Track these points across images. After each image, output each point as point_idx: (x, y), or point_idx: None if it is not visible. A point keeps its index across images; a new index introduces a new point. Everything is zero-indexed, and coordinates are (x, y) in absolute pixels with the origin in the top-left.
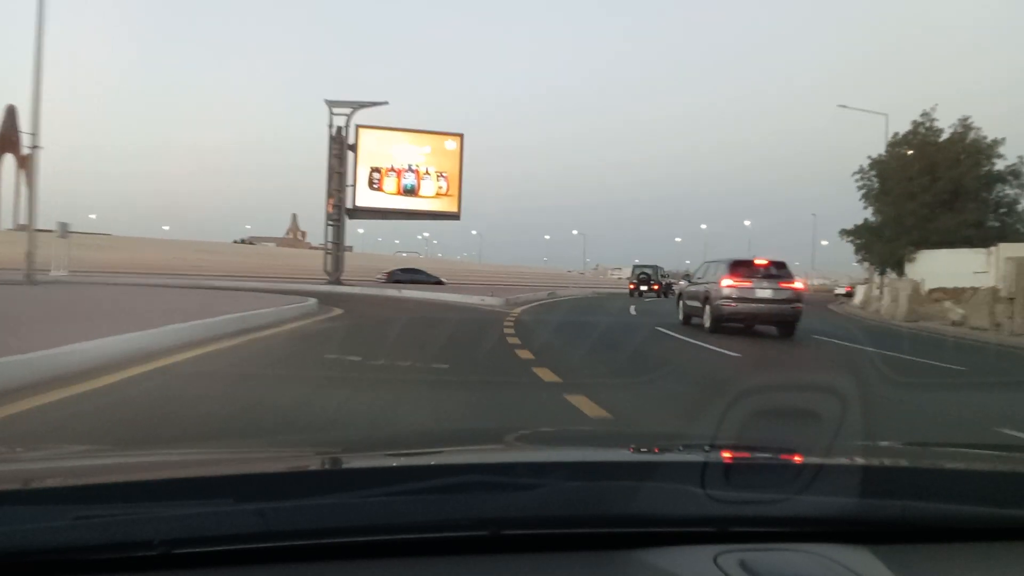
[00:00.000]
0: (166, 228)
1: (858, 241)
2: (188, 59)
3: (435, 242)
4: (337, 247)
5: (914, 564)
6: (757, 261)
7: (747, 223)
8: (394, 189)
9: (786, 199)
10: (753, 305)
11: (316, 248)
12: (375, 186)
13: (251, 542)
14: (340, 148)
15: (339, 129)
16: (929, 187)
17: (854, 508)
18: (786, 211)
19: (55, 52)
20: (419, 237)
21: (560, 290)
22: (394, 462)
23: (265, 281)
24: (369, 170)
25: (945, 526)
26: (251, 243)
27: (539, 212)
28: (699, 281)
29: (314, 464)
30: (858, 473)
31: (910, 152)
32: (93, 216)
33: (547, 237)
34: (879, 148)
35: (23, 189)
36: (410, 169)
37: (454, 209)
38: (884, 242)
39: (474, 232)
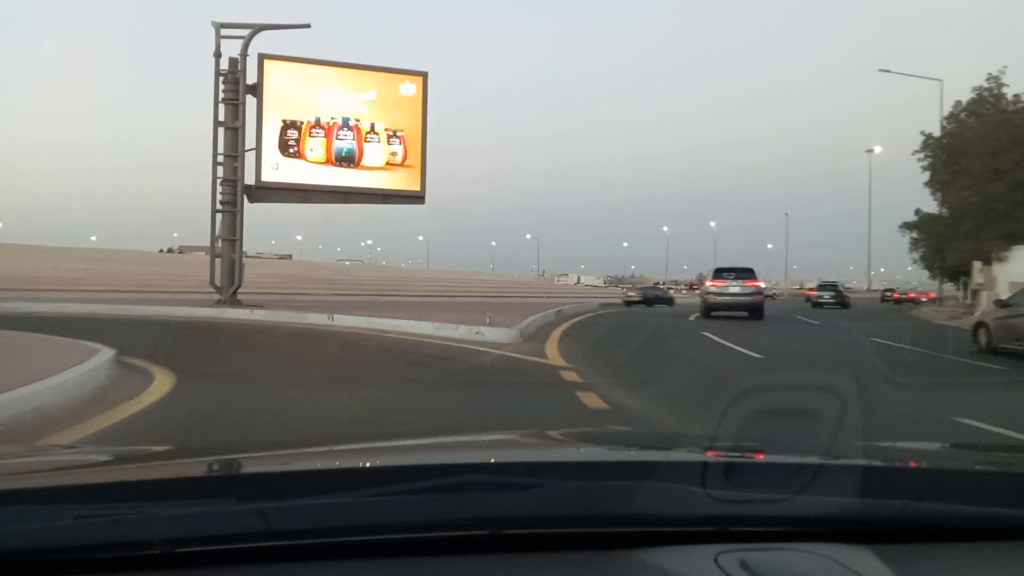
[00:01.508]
0: (93, 238)
1: (920, 236)
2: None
3: (379, 249)
4: (232, 247)
5: (914, 564)
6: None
7: (712, 224)
8: (322, 155)
9: (770, 198)
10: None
11: (257, 257)
12: (291, 150)
13: (251, 541)
14: (235, 90)
15: (232, 62)
16: (1020, 163)
17: (854, 508)
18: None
19: None
20: (363, 244)
21: (540, 301)
22: (395, 462)
23: (128, 298)
24: (282, 126)
25: (945, 526)
26: (180, 252)
27: (478, 216)
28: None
29: (315, 464)
30: (858, 473)
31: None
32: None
33: (494, 243)
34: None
35: None
36: (347, 126)
37: (415, 187)
38: (962, 236)
39: (420, 238)
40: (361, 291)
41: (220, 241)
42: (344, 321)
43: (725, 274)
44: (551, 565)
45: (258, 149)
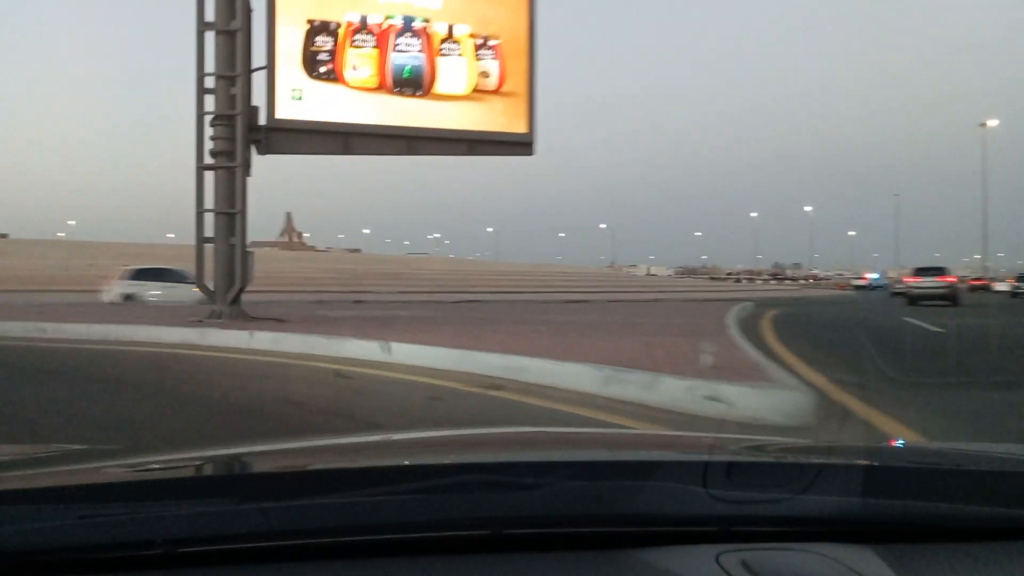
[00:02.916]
0: (171, 235)
1: None
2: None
3: (447, 242)
4: (229, 225)
5: (916, 564)
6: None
7: (808, 209)
8: (371, 76)
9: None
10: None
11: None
12: (323, 68)
13: (254, 541)
14: None
15: None
16: None
17: (856, 508)
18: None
19: None
20: (429, 237)
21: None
22: (396, 461)
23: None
24: (307, 29)
25: (947, 526)
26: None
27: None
28: None
29: (317, 463)
30: (860, 472)
31: None
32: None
33: (562, 234)
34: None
35: None
36: (410, 29)
37: (518, 127)
38: None
39: (489, 229)
40: (430, 287)
41: (214, 218)
42: (410, 353)
43: (923, 272)
44: (553, 565)
45: (270, 67)
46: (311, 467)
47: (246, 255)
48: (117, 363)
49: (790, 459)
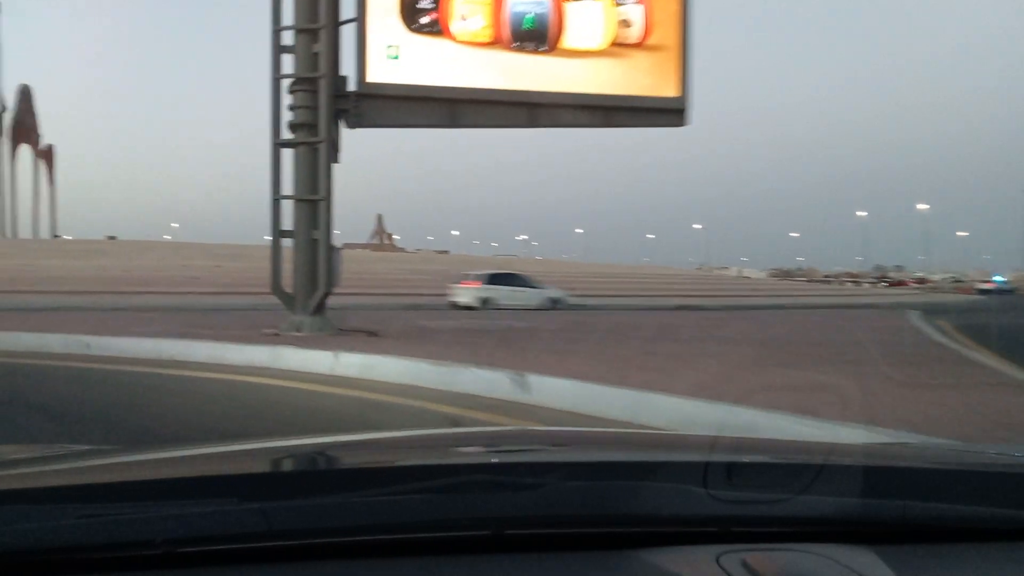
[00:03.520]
0: (267, 238)
1: None
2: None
3: (535, 244)
4: (311, 213)
5: (916, 564)
6: None
7: (924, 206)
8: (484, 28)
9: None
10: None
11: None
12: (425, 20)
13: (254, 541)
14: None
15: None
16: None
17: (856, 508)
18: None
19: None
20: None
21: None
22: (396, 462)
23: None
24: None
25: (946, 526)
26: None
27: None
28: None
29: (317, 464)
30: (860, 473)
31: None
32: (176, 225)
33: (651, 236)
34: None
35: (43, 187)
36: None
37: (666, 89)
38: None
39: (579, 230)
40: None
41: (293, 207)
42: (560, 393)
43: None
44: (553, 565)
45: (360, 19)
46: (311, 467)
47: (332, 252)
48: (154, 398)
49: (790, 459)
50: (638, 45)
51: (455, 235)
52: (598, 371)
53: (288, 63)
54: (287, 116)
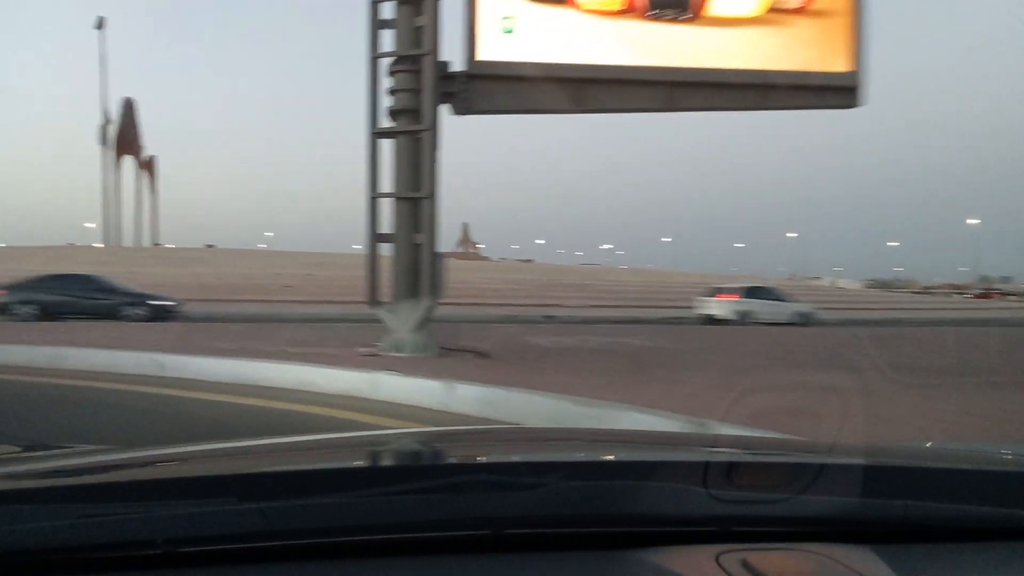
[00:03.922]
0: (356, 247)
1: None
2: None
3: (620, 253)
4: (412, 212)
5: (916, 564)
6: None
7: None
8: None
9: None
10: None
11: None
12: None
13: (254, 541)
14: None
15: None
16: None
17: (856, 508)
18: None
19: None
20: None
21: None
22: (396, 461)
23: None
24: None
25: (947, 526)
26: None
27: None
28: None
29: (317, 463)
30: (860, 473)
31: None
32: (270, 233)
33: (739, 245)
34: None
35: (145, 197)
36: None
37: (838, 64)
38: None
39: (667, 239)
40: (619, 299)
41: (393, 206)
42: None
43: None
44: (553, 565)
45: None
46: (311, 467)
47: (436, 259)
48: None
49: (790, 459)
50: (800, 11)
51: (539, 244)
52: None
53: (388, 40)
54: (386, 104)
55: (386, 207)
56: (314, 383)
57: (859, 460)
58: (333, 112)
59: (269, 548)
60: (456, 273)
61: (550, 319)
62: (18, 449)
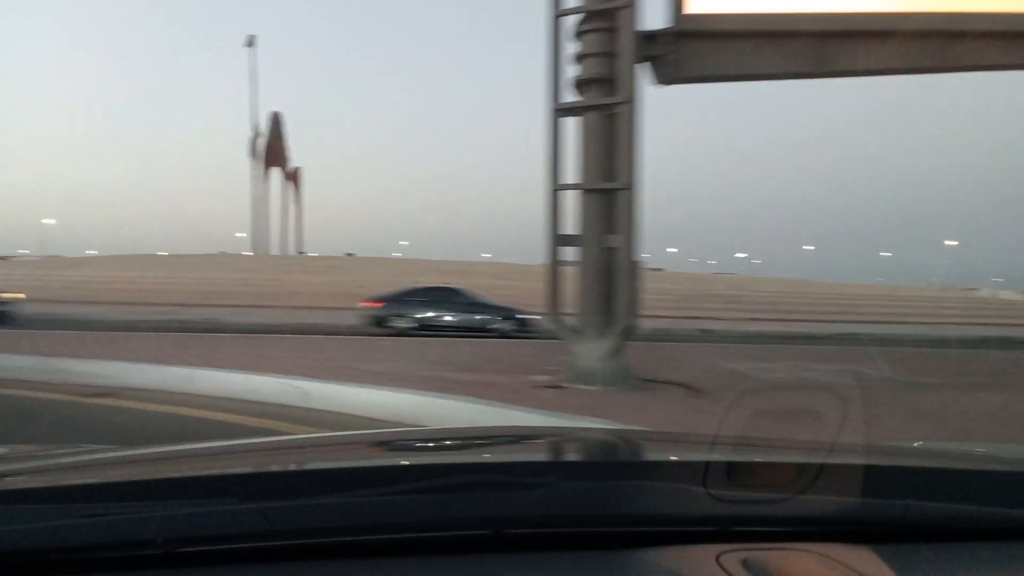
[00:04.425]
0: (487, 255)
1: None
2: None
3: (756, 261)
4: (607, 207)
5: (916, 564)
6: None
7: None
8: None
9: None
10: None
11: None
12: None
13: (254, 541)
14: None
15: None
16: None
17: (856, 508)
18: None
19: None
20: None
21: None
22: (397, 461)
23: None
24: None
25: (947, 526)
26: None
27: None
28: None
29: (317, 463)
30: (860, 473)
31: None
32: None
33: (886, 254)
34: None
35: (291, 207)
36: None
37: None
38: None
39: (809, 247)
40: (772, 312)
41: (580, 201)
42: None
43: None
44: (553, 564)
45: None
46: (311, 467)
47: (636, 267)
48: None
49: (790, 459)
50: None
51: (671, 252)
52: None
53: None
54: (570, 75)
55: (568, 205)
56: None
57: (859, 460)
58: (463, 124)
59: (269, 548)
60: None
61: (706, 333)
62: (18, 449)
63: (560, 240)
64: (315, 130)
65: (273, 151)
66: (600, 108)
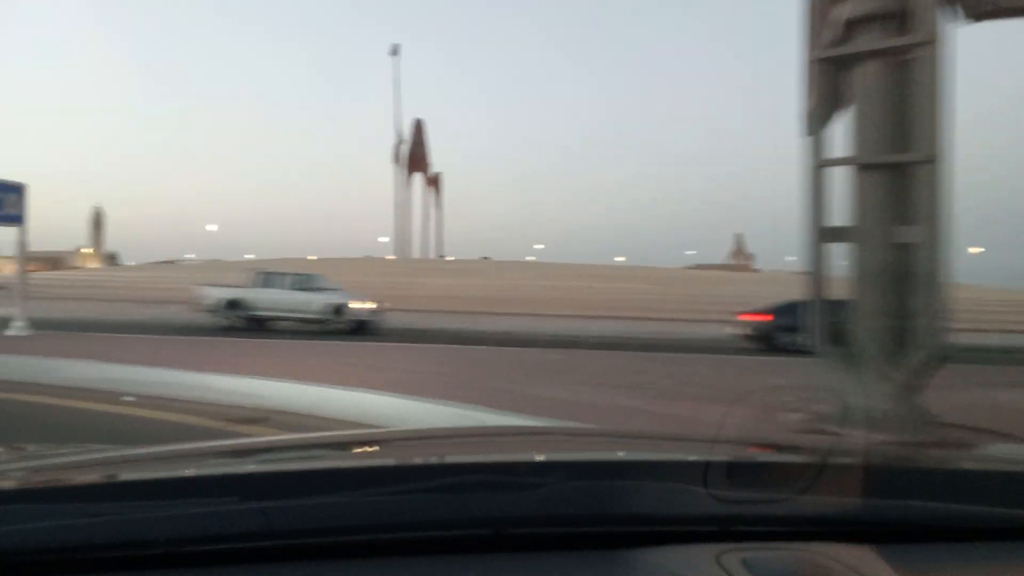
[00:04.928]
0: (620, 259)
1: None
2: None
3: None
4: (895, 190)
5: (916, 563)
6: None
7: None
8: None
9: None
10: None
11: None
12: None
13: (254, 541)
14: None
15: None
16: None
17: (856, 507)
18: None
19: None
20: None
21: None
22: (397, 461)
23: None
24: None
25: (947, 526)
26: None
27: None
28: None
29: (318, 463)
30: (860, 472)
31: None
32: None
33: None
34: None
35: (432, 212)
36: None
37: None
38: None
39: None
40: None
41: (856, 181)
42: None
43: None
44: (553, 564)
45: None
46: (311, 467)
47: (941, 271)
48: None
49: (790, 459)
50: None
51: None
52: None
53: None
54: (836, 15)
55: (836, 183)
56: None
57: (859, 460)
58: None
59: (269, 548)
60: (729, 287)
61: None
62: (18, 449)
63: (825, 235)
64: (455, 135)
65: (415, 157)
66: (887, 54)
